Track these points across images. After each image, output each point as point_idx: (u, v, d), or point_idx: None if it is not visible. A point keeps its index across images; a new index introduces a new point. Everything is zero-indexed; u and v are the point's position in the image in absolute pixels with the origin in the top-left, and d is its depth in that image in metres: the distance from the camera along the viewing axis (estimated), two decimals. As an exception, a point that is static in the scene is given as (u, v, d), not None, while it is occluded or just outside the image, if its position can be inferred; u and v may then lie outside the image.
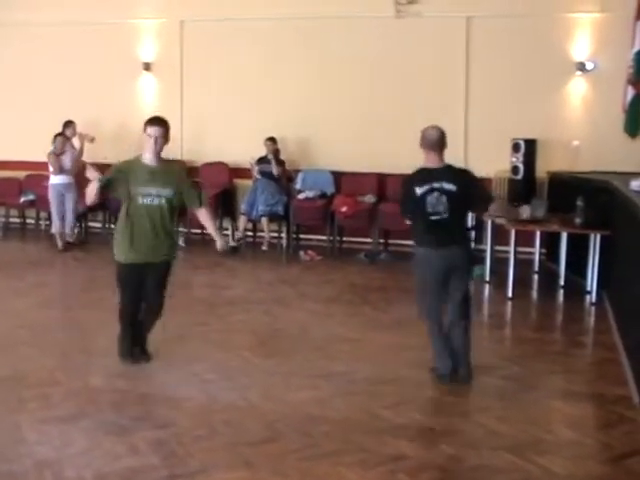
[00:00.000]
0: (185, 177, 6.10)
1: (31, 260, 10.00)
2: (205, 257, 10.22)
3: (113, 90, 11.48)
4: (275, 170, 10.40)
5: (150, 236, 5.53)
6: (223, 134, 11.18)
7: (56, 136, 10.36)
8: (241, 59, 11.07)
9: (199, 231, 11.36)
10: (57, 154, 10.28)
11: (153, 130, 5.47)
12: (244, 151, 11.02)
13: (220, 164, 11.19)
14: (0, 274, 9.13)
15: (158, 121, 5.54)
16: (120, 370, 5.57)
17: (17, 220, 11.23)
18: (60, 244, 10.36)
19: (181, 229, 11.08)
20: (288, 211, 10.57)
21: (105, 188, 5.40)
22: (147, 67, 11.52)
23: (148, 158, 5.53)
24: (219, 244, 5.88)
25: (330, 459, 4.20)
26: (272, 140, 10.58)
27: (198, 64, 11.27)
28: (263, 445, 4.38)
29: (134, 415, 4.80)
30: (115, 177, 5.49)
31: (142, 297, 5.69)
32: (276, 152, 10.60)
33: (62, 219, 10.35)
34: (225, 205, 10.99)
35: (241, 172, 11.09)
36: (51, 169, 10.27)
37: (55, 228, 10.45)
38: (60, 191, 10.28)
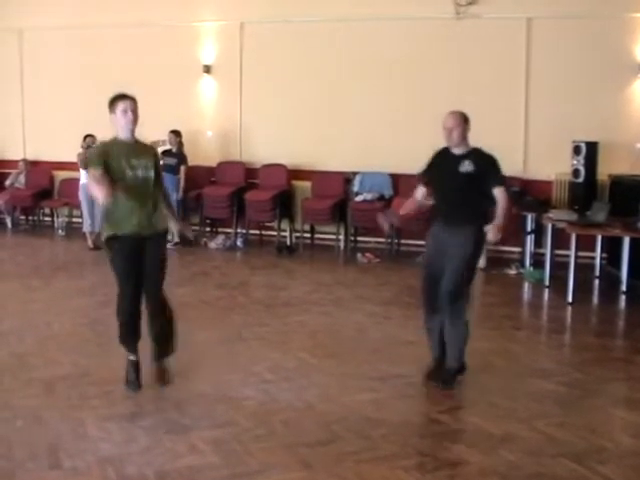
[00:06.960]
0: None
1: (94, 259, 10.18)
2: (262, 258, 10.32)
3: (174, 92, 11.64)
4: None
5: None
6: (282, 136, 11.24)
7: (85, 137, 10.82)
8: (300, 61, 11.16)
9: (257, 232, 11.50)
10: (84, 148, 10.61)
11: None
12: (303, 153, 11.10)
13: (279, 166, 11.25)
14: (63, 273, 9.34)
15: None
16: (180, 369, 5.63)
17: (79, 220, 11.45)
18: (90, 243, 10.68)
19: (239, 230, 11.23)
20: (346, 213, 10.60)
21: None
22: (207, 69, 11.67)
23: None
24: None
25: (388, 462, 4.18)
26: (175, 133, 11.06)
27: (258, 66, 11.37)
28: (321, 446, 4.38)
29: (194, 414, 4.85)
30: None
31: None
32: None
33: (92, 218, 10.63)
34: (283, 207, 11.05)
35: (300, 174, 11.16)
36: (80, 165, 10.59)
37: (86, 227, 10.84)
38: (89, 192, 10.53)
